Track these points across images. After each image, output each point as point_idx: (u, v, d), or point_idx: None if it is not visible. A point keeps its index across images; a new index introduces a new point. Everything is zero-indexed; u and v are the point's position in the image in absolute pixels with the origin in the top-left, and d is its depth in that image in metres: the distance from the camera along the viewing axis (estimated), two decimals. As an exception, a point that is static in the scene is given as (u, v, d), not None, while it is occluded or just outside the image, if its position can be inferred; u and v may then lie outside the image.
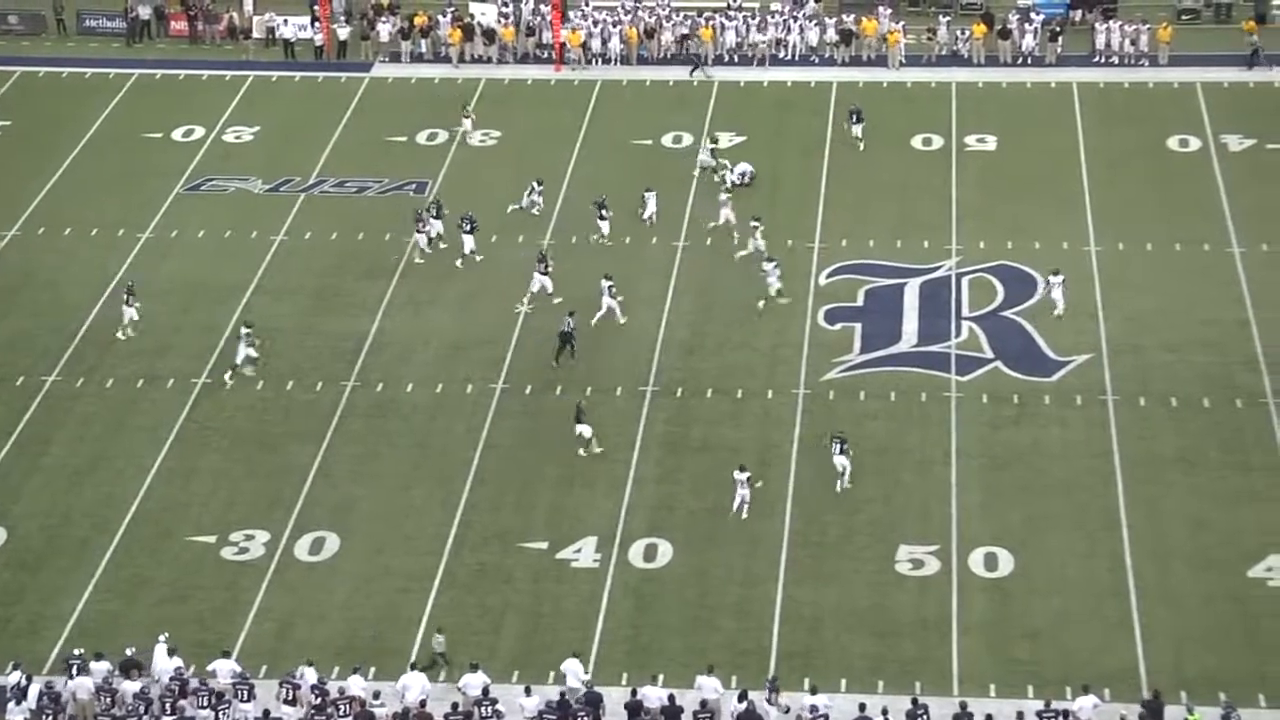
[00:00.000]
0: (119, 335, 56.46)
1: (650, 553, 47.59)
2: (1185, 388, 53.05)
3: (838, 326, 56.47)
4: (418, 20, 75.21)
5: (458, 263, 59.74)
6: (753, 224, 59.83)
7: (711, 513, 48.73)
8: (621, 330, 56.06)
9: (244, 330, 54.85)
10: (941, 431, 51.60)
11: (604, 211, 60.70)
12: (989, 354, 54.92)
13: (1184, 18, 75.73)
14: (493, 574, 47.02)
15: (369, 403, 53.65)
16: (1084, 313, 56.47)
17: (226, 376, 54.43)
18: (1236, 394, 52.69)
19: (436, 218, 60.67)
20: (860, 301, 57.71)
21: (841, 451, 49.38)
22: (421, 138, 68.69)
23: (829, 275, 58.87)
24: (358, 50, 75.33)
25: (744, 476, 48.66)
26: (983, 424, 51.90)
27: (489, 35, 74.25)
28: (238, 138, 69.32)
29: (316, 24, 75.49)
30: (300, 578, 47.13)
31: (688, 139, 67.76)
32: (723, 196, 61.85)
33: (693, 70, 72.51)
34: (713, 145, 65.44)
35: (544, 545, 47.92)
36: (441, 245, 60.30)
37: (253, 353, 54.56)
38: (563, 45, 73.78)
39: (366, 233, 62.07)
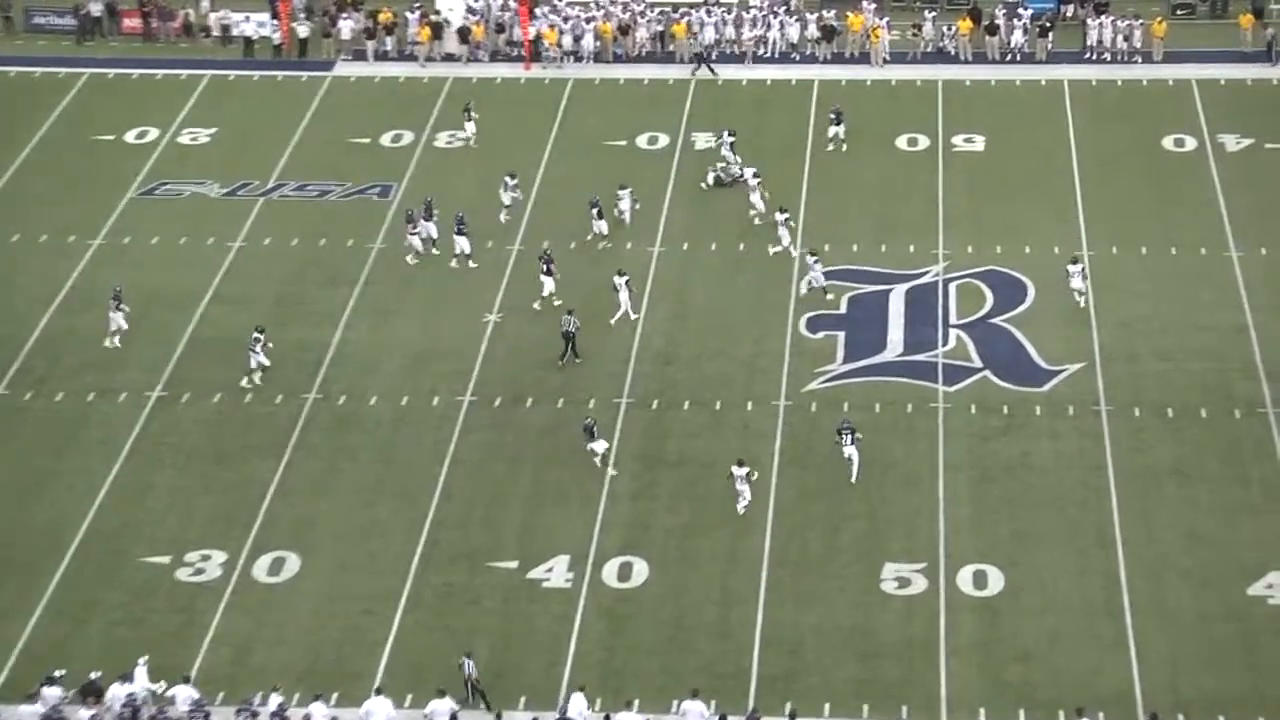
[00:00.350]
0: (106, 344, 56.27)
1: (625, 572, 47.46)
2: (1181, 397, 53.05)
3: (820, 335, 56.41)
4: (382, 17, 75.01)
5: (452, 264, 59.75)
6: (780, 215, 60.04)
7: (688, 529, 48.63)
8: (595, 339, 55.89)
9: (255, 335, 54.72)
10: (928, 444, 51.53)
11: (598, 211, 60.64)
12: (977, 363, 54.89)
13: (1179, 13, 75.75)
14: (460, 595, 46.86)
15: (331, 416, 53.46)
16: (1076, 319, 56.48)
17: (245, 382, 54.44)
18: (1235, 403, 52.71)
19: (428, 219, 60.55)
20: (843, 309, 57.65)
21: (852, 441, 49.65)
22: (386, 139, 68.52)
23: (810, 281, 58.77)
24: (319, 48, 75.12)
25: (743, 472, 48.80)
26: (971, 436, 51.85)
27: (462, 34, 73.93)
28: (194, 140, 69.09)
29: (276, 21, 75.24)
30: (259, 599, 46.91)
31: (663, 140, 67.68)
32: (752, 181, 62.19)
33: (694, 70, 72.22)
34: (732, 139, 65.18)
35: (514, 564, 47.77)
36: (434, 251, 60.21)
37: (264, 360, 54.44)
38: (532, 42, 73.66)
39: (329, 239, 61.89)
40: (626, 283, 56.84)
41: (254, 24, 75.43)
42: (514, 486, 50.46)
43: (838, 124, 66.39)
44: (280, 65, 74.71)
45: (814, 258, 58.12)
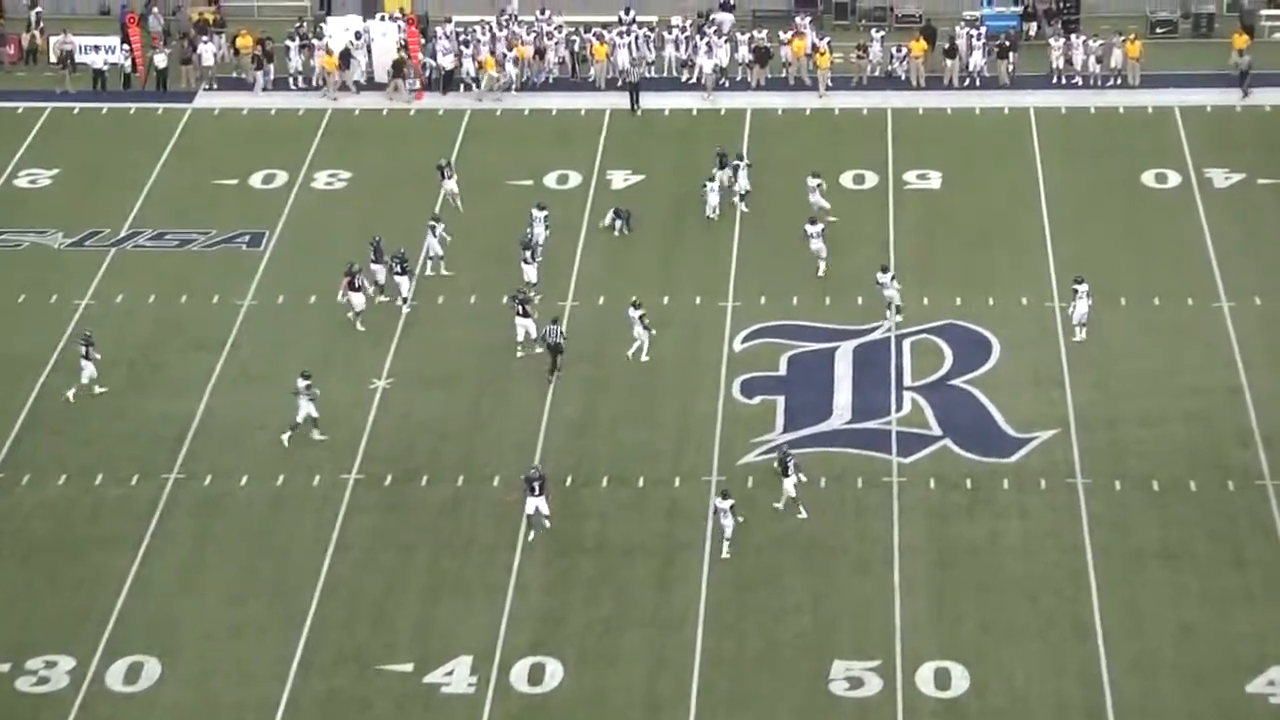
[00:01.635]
0: (68, 395, 56.32)
1: (536, 674, 47.52)
2: (1168, 468, 53.56)
3: (757, 400, 56.76)
4: (240, 42, 75.03)
5: (398, 303, 60.30)
6: (813, 227, 61.63)
7: (609, 625, 48.73)
8: (498, 406, 56.08)
9: (301, 382, 54.75)
10: (881, 523, 51.85)
11: (528, 255, 61.01)
12: (936, 431, 55.33)
13: (1158, 31, 76.53)
14: (346, 702, 46.79)
15: (195, 499, 53.39)
16: (1048, 380, 56.97)
17: (284, 437, 54.73)
18: (1228, 475, 53.22)
19: (378, 261, 60.63)
20: (783, 370, 58.05)
21: (795, 470, 51.12)
22: (256, 180, 68.62)
23: (745, 339, 59.18)
24: (178, 77, 75.05)
25: (727, 505, 49.95)
26: (930, 514, 52.21)
27: (398, 67, 73.57)
28: (33, 182, 69.03)
29: (126, 46, 75.18)
30: (113, 712, 46.68)
31: (575, 178, 68.03)
32: (811, 182, 64.07)
33: (634, 104, 72.61)
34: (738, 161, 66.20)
35: (408, 667, 47.75)
36: (382, 298, 60.56)
37: (313, 411, 54.56)
38: (424, 69, 74.07)
39: (191, 294, 61.90)
40: (641, 317, 57.45)
41: (103, 53, 75.09)
42: (408, 577, 50.49)
43: (723, 168, 65.88)
44: (133, 97, 74.71)
45: (887, 273, 59.23)
